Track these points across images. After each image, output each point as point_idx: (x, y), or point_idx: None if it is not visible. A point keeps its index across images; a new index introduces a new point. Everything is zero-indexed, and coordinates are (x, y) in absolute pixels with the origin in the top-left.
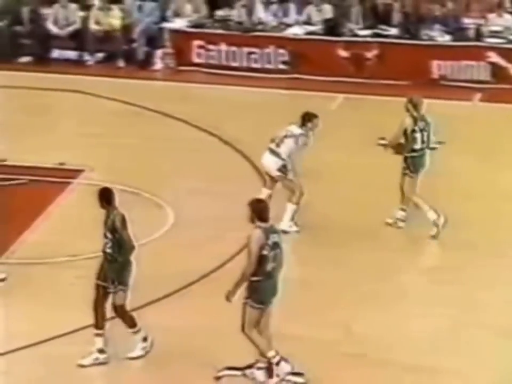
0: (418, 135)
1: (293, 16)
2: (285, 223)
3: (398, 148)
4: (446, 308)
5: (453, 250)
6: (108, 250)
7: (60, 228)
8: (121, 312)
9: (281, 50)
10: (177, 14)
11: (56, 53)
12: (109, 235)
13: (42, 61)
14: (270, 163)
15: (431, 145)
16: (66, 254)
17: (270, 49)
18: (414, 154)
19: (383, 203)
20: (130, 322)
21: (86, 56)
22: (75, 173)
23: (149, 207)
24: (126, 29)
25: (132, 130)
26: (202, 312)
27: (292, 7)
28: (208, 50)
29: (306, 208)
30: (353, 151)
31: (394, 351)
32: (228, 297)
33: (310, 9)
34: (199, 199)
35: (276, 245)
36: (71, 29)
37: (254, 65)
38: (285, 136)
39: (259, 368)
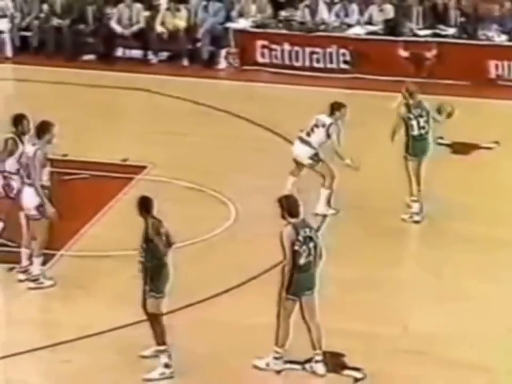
0: (414, 122)
1: (355, 17)
2: (321, 208)
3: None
4: (503, 306)
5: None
6: (141, 259)
7: (121, 222)
8: (152, 321)
9: (343, 50)
10: (242, 14)
11: (120, 52)
12: (143, 244)
13: (106, 59)
14: (302, 152)
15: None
16: (127, 248)
17: (332, 49)
18: (413, 140)
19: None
20: (160, 338)
21: (150, 55)
22: (138, 169)
23: (212, 204)
24: (191, 28)
25: (195, 128)
26: (261, 307)
27: (354, 8)
28: (272, 50)
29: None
30: None
31: (451, 349)
32: (280, 295)
33: (372, 9)
34: (261, 196)
35: (308, 239)
36: (135, 28)
37: (317, 65)
38: (315, 126)
39: (317, 362)
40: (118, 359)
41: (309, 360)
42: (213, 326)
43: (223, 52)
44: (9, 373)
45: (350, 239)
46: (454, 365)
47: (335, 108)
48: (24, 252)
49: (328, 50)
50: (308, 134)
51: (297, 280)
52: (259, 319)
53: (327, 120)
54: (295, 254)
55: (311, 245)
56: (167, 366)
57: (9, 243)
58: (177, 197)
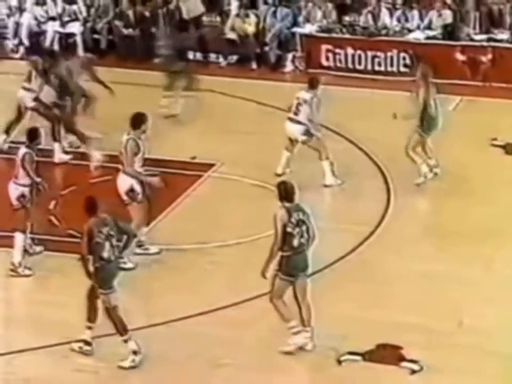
0: (432, 103)
1: (415, 22)
2: (329, 179)
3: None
4: None
5: None
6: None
7: (190, 216)
8: (108, 314)
9: (403, 54)
10: (308, 20)
11: (191, 55)
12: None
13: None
14: (294, 130)
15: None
16: (197, 241)
17: (393, 53)
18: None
19: (502, 200)
20: (119, 328)
21: (220, 58)
22: (206, 166)
23: (275, 200)
24: (260, 33)
25: (261, 127)
26: (323, 300)
27: (415, 13)
28: (336, 54)
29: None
30: (470, 150)
31: (507, 343)
32: (263, 273)
33: (431, 15)
34: (326, 194)
35: (300, 222)
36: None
37: (378, 68)
38: (299, 104)
39: (306, 338)
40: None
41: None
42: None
43: (289, 56)
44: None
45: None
46: (504, 357)
47: (313, 82)
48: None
49: (389, 54)
50: (295, 113)
51: (292, 261)
52: (322, 310)
53: (307, 95)
54: (287, 236)
55: (304, 228)
56: (135, 353)
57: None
58: (243, 193)
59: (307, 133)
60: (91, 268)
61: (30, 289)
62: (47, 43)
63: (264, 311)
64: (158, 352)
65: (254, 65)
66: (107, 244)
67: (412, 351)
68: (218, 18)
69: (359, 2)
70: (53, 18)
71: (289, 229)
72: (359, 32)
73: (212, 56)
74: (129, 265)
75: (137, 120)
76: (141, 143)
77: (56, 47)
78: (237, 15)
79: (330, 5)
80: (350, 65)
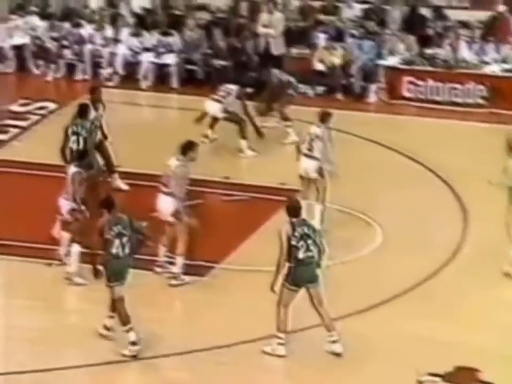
0: None
1: (491, 55)
2: (315, 223)
3: None
4: None
5: None
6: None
7: (274, 240)
8: (114, 306)
9: (480, 86)
10: (391, 52)
11: None
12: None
13: None
14: (309, 166)
15: None
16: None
17: (470, 85)
18: None
19: None
20: (122, 319)
21: (308, 89)
22: (293, 192)
23: (359, 225)
24: (346, 65)
25: (345, 156)
26: (407, 321)
27: (491, 47)
28: (417, 85)
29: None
30: None
31: None
32: (271, 287)
33: (507, 49)
34: (406, 219)
35: (305, 236)
36: None
37: (456, 100)
38: (312, 140)
39: (334, 342)
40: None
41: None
42: (358, 338)
43: (373, 87)
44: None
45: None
46: None
47: (324, 117)
48: (162, 248)
49: (467, 86)
50: (310, 149)
51: (297, 272)
52: (404, 333)
53: (319, 130)
54: (293, 248)
55: (309, 241)
56: (134, 343)
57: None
58: (327, 218)
59: (320, 171)
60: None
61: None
62: (141, 73)
63: (351, 331)
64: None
65: (339, 96)
66: (117, 241)
67: (490, 373)
68: (307, 51)
69: (439, 36)
70: (148, 49)
71: (293, 242)
72: (439, 65)
73: (300, 87)
74: (187, 279)
75: (187, 147)
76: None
77: (150, 77)
78: (325, 48)
79: (412, 38)
80: (429, 97)
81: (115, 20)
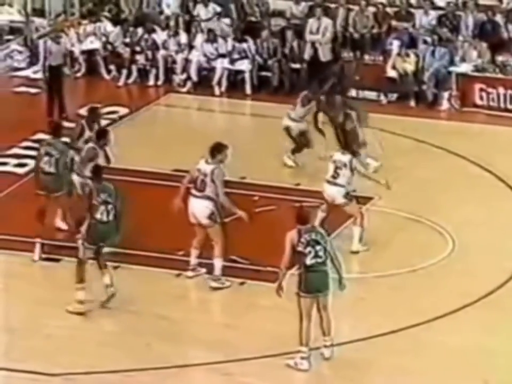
0: None
1: None
2: (355, 245)
3: None
4: None
5: None
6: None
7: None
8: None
9: None
10: (464, 59)
11: (354, 92)
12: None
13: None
14: (334, 192)
15: None
16: (355, 270)
17: None
18: None
19: None
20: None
21: (381, 96)
22: (366, 200)
23: (430, 234)
24: (418, 72)
25: (418, 163)
26: (475, 331)
27: None
28: (489, 93)
29: None
30: None
31: None
32: (277, 291)
33: None
34: (475, 228)
35: (313, 242)
36: None
37: None
38: (338, 168)
39: (326, 346)
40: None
41: None
42: (429, 347)
43: (445, 94)
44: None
45: None
46: None
47: (348, 146)
48: (193, 252)
49: None
50: (334, 177)
51: (307, 279)
52: (471, 342)
53: (345, 158)
54: (301, 255)
55: (318, 248)
56: (80, 302)
57: (240, 260)
58: (398, 226)
59: (347, 196)
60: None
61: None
62: (215, 79)
63: (420, 340)
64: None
65: (412, 103)
66: (102, 207)
67: None
68: (380, 57)
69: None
70: (222, 56)
71: (299, 248)
72: (510, 72)
73: (373, 94)
74: (227, 284)
75: (217, 150)
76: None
77: (224, 83)
78: (398, 54)
79: (484, 45)
80: (501, 105)
81: (189, 26)
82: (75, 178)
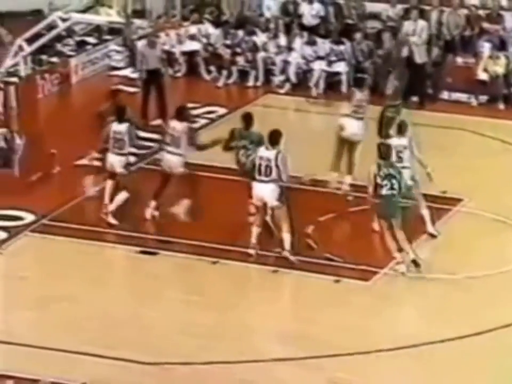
0: None
1: None
2: (430, 227)
3: None
4: None
5: None
6: None
7: (439, 248)
8: None
9: None
10: None
11: (445, 94)
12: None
13: (432, 100)
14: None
15: None
16: (446, 271)
17: None
18: None
19: None
20: None
21: (472, 98)
22: (455, 201)
23: None
24: (508, 74)
25: (506, 166)
26: None
27: None
28: None
29: None
30: None
31: None
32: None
33: None
34: None
35: (390, 176)
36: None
37: None
38: (399, 151)
39: None
40: None
41: None
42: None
43: None
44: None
45: None
46: None
47: (402, 128)
48: (256, 230)
49: None
50: (399, 161)
51: (380, 206)
52: None
53: (403, 141)
54: (377, 186)
55: (393, 181)
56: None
57: (335, 258)
58: (487, 228)
59: (413, 178)
60: None
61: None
62: (313, 81)
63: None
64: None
65: (501, 106)
66: None
67: None
68: (472, 60)
69: None
70: (320, 58)
71: (378, 180)
72: None
73: (464, 96)
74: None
75: (275, 137)
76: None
77: (322, 84)
78: (489, 57)
79: None
80: None
81: (289, 29)
82: None
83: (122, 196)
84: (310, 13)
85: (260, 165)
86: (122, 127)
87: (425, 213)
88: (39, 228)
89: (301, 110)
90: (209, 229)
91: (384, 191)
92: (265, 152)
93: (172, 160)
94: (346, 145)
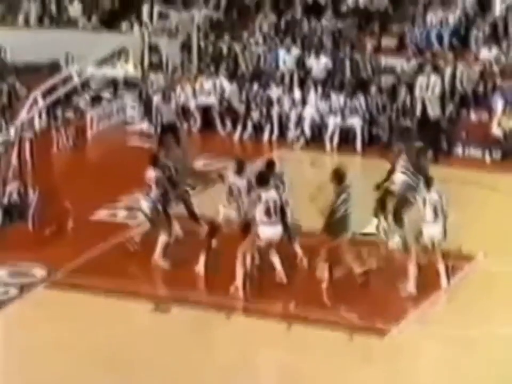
0: None
1: None
2: None
3: None
4: None
5: None
6: None
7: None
8: None
9: None
10: None
11: (460, 150)
12: None
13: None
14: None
15: None
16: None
17: None
18: None
19: None
20: None
21: (486, 154)
22: (470, 257)
23: None
24: None
25: None
26: None
27: None
28: None
29: None
30: None
31: None
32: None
33: None
34: None
35: (345, 201)
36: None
37: None
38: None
39: None
40: None
41: None
42: None
43: None
44: None
45: None
46: None
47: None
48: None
49: None
50: (435, 217)
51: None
52: None
53: (434, 195)
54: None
55: (348, 204)
56: None
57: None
58: (501, 285)
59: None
60: None
61: None
62: (327, 136)
63: None
64: None
65: None
66: None
67: None
68: (486, 115)
69: None
70: (335, 112)
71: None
72: None
73: (478, 152)
74: None
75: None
76: None
77: (336, 139)
78: (503, 112)
79: None
80: None
81: (304, 82)
82: None
83: (161, 238)
84: (318, 66)
85: (268, 207)
86: (153, 173)
87: (441, 268)
88: (50, 283)
89: (315, 165)
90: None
91: (339, 214)
92: (268, 193)
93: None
94: (389, 196)
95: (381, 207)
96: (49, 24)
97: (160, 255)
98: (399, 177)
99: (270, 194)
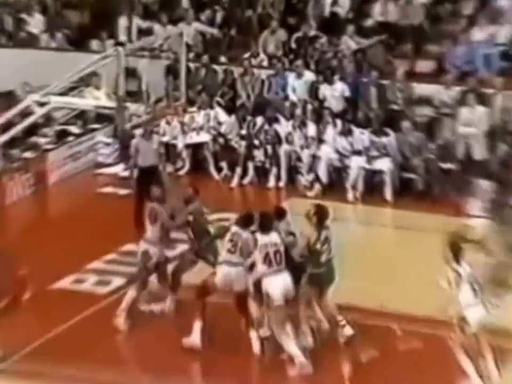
0: None
1: None
2: None
3: None
4: None
5: None
6: None
7: None
8: None
9: None
10: None
11: None
12: None
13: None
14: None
15: None
16: None
17: None
18: None
19: None
20: None
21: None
22: None
23: None
24: None
25: None
26: None
27: None
28: None
29: None
30: None
31: None
32: None
33: None
34: None
35: (327, 240)
36: None
37: None
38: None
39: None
40: None
41: None
42: None
43: None
44: None
45: None
46: None
47: None
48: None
49: None
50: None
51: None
52: None
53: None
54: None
55: (331, 244)
56: None
57: None
58: None
59: None
60: None
61: None
62: (349, 181)
63: None
64: None
65: None
66: None
67: None
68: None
69: None
70: (358, 152)
71: (317, 247)
72: None
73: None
74: None
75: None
76: None
77: (360, 186)
78: None
79: None
80: None
81: (319, 115)
82: None
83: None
84: (332, 95)
85: (268, 253)
86: None
87: (489, 356)
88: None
89: (335, 219)
90: None
91: (324, 257)
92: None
93: (231, 273)
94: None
95: None
96: (5, 42)
97: (122, 312)
98: None
99: (270, 238)
